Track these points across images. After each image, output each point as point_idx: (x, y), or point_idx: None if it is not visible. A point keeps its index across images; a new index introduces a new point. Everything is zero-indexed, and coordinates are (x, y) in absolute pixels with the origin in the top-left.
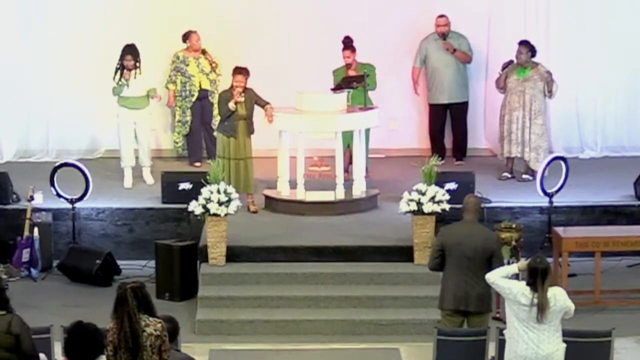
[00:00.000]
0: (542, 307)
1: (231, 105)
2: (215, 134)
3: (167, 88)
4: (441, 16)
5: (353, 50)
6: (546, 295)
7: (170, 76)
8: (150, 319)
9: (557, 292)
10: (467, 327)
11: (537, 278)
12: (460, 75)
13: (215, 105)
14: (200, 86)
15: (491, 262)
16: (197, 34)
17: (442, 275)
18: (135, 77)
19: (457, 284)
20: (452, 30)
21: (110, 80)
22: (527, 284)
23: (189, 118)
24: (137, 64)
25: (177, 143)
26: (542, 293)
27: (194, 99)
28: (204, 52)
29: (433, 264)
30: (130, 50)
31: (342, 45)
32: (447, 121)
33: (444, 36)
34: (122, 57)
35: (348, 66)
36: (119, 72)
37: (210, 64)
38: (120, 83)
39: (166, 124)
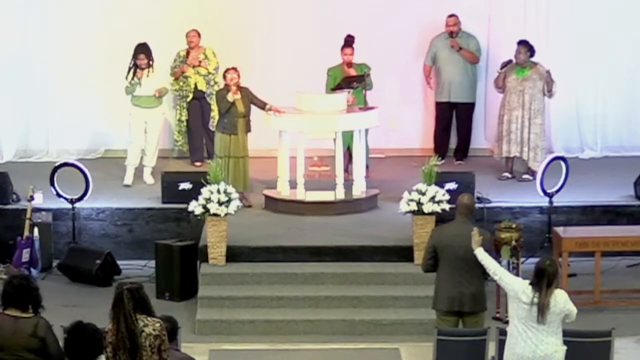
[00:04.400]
0: (542, 309)
1: (229, 96)
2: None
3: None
4: (451, 15)
5: (354, 49)
6: (548, 298)
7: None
8: (149, 318)
9: (558, 293)
10: (463, 327)
11: (542, 280)
12: (467, 76)
13: (213, 107)
14: (195, 87)
15: None
16: (193, 32)
17: (436, 276)
18: (147, 76)
19: (451, 285)
20: (462, 30)
21: (109, 79)
22: (530, 283)
23: (184, 118)
24: (150, 63)
25: (177, 141)
26: (544, 295)
27: (189, 99)
28: (187, 52)
29: (426, 265)
30: (143, 49)
31: (343, 43)
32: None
33: (452, 35)
34: (135, 56)
35: (348, 65)
36: (131, 71)
37: (197, 62)
38: (133, 82)
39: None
